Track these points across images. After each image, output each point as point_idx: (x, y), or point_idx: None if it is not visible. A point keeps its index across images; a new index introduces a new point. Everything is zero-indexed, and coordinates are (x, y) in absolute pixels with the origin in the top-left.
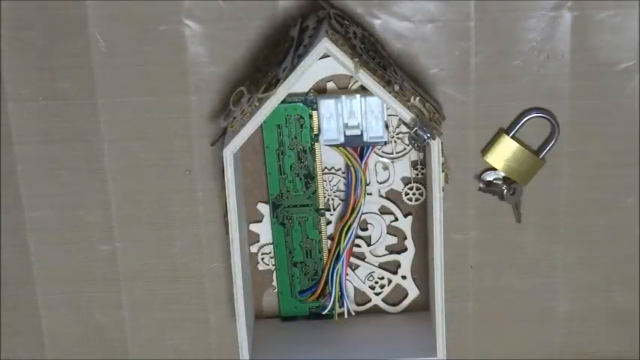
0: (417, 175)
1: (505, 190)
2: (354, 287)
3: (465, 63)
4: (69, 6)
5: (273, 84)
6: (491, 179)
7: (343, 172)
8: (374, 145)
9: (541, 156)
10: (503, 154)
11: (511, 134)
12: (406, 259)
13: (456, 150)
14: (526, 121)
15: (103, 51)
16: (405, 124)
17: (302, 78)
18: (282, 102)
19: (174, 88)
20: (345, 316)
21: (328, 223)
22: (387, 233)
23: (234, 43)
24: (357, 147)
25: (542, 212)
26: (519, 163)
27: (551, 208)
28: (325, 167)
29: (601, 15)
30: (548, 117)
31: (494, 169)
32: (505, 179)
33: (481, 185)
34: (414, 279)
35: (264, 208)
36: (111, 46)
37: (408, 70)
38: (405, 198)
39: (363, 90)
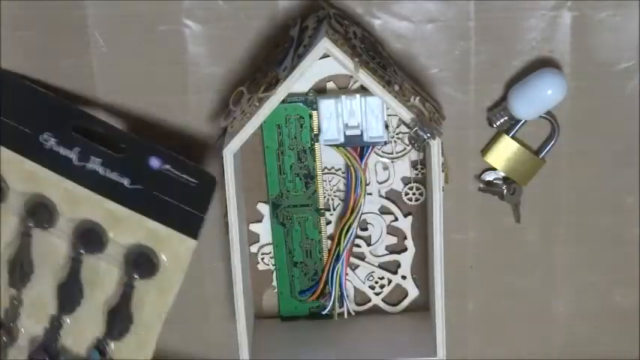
0: (417, 175)
1: (505, 190)
2: (354, 287)
3: (465, 63)
4: (69, 6)
5: (273, 84)
6: (491, 179)
7: (343, 172)
8: (374, 145)
9: (541, 156)
10: (503, 154)
11: (511, 134)
12: (406, 259)
13: (456, 150)
14: (526, 121)
15: (103, 51)
16: (404, 124)
17: (302, 78)
18: (282, 102)
19: (175, 88)
20: (345, 316)
21: (328, 223)
22: (387, 233)
23: (234, 43)
24: (357, 147)
25: (542, 212)
26: (519, 163)
27: (551, 208)
28: (325, 167)
29: (601, 15)
30: (548, 117)
31: (494, 169)
32: (505, 179)
33: (481, 185)
34: (414, 279)
35: (264, 208)
36: (111, 46)
37: (407, 70)
38: (404, 198)
39: (363, 90)
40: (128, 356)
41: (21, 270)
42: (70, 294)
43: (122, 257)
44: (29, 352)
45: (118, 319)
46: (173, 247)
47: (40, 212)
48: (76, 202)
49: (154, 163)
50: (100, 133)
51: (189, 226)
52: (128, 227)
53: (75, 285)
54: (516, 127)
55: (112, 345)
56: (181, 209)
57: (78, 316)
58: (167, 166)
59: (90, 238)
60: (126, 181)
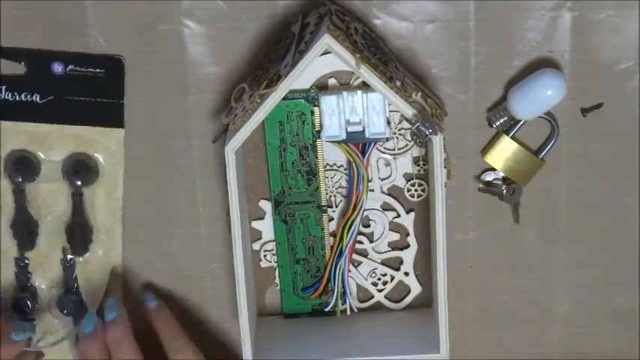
0: (419, 171)
1: (505, 191)
2: (357, 284)
3: (465, 63)
4: (69, 6)
5: (275, 80)
6: (491, 179)
7: (345, 169)
8: (376, 141)
9: (541, 156)
10: (503, 154)
11: (511, 134)
12: (409, 256)
13: (456, 150)
14: (526, 121)
15: (103, 51)
16: (407, 119)
17: (303, 74)
18: (284, 98)
19: (174, 88)
20: (348, 312)
21: (330, 219)
22: (390, 230)
23: (234, 43)
24: (359, 143)
25: (542, 212)
26: (519, 163)
27: (551, 208)
28: (327, 164)
29: (601, 15)
30: (548, 117)
31: (494, 170)
32: (505, 179)
33: (481, 185)
34: (416, 275)
35: (266, 205)
36: (111, 46)
37: (408, 70)
38: (407, 194)
39: (365, 86)
40: (98, 265)
41: None
42: (24, 229)
43: (60, 172)
44: (12, 301)
45: (78, 232)
46: (104, 144)
47: None
48: None
49: (57, 68)
50: None
51: (112, 117)
52: (54, 142)
53: (26, 218)
54: (516, 128)
55: (81, 259)
56: (98, 103)
57: (39, 246)
58: (70, 67)
59: (22, 166)
60: (36, 98)
